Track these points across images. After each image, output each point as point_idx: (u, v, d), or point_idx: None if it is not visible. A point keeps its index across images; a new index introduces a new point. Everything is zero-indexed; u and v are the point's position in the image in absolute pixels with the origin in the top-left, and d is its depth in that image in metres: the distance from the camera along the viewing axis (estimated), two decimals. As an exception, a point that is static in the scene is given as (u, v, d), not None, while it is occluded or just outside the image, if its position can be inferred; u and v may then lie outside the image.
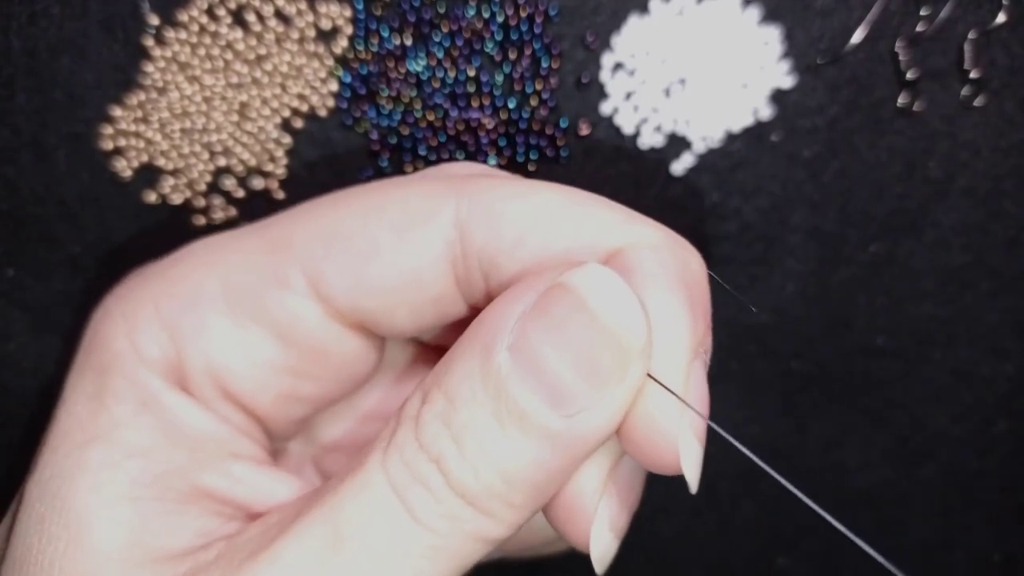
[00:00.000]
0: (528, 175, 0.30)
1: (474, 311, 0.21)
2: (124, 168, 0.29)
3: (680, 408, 0.19)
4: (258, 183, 0.30)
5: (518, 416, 0.18)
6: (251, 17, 0.28)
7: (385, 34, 0.29)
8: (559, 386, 0.18)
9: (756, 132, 0.30)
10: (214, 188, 0.30)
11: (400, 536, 0.18)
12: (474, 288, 0.21)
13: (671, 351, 0.19)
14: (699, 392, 0.19)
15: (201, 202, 0.30)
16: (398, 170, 0.30)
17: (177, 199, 0.30)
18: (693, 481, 0.19)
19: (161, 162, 0.29)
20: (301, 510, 0.19)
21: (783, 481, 0.19)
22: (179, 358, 0.21)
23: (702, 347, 0.19)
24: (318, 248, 0.20)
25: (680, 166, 0.30)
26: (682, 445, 0.19)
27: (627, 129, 0.29)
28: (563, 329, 0.18)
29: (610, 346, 0.18)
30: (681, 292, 0.19)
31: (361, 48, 0.29)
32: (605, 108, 0.29)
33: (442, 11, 0.28)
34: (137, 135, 0.29)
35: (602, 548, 0.20)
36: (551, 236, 0.20)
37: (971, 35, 0.29)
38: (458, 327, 0.24)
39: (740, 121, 0.29)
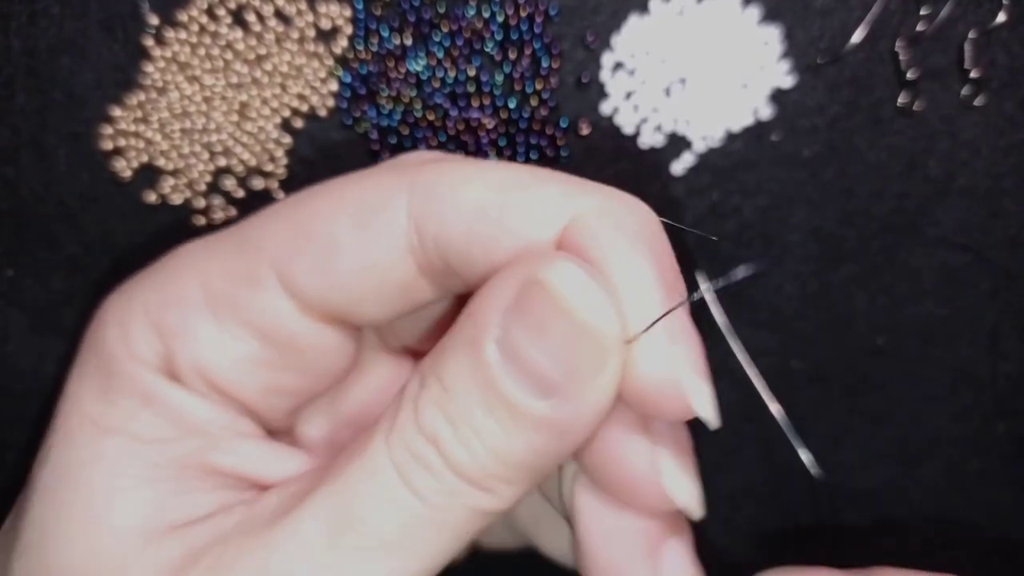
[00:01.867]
0: (528, 175, 0.30)
1: (443, 295, 0.22)
2: (124, 168, 0.29)
3: (673, 356, 0.20)
4: (258, 183, 0.30)
5: (507, 406, 0.19)
6: (251, 17, 0.28)
7: (385, 34, 0.29)
8: (544, 379, 0.19)
9: (756, 132, 0.30)
10: (214, 188, 0.30)
11: (404, 511, 0.19)
12: (438, 273, 0.21)
13: (647, 308, 0.19)
14: (686, 333, 0.20)
15: (201, 202, 0.30)
16: (398, 170, 0.30)
17: (177, 199, 0.30)
18: (712, 417, 0.20)
19: (161, 162, 0.29)
20: (313, 485, 0.20)
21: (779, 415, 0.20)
22: (170, 357, 0.22)
23: (675, 292, 0.20)
24: (285, 248, 0.22)
25: (680, 166, 0.30)
26: (687, 387, 0.19)
27: (627, 129, 0.29)
28: (542, 328, 0.19)
29: (587, 342, 0.19)
30: (642, 249, 0.20)
31: (361, 48, 0.29)
32: (605, 108, 0.29)
33: (442, 11, 0.28)
34: (137, 135, 0.29)
35: (686, 494, 0.21)
36: (502, 218, 0.20)
37: (971, 35, 0.29)
38: (439, 326, 0.25)
39: (740, 121, 0.29)
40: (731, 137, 0.30)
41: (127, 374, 0.22)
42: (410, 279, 0.21)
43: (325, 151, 0.30)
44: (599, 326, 0.19)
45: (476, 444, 0.19)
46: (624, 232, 0.20)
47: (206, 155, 0.29)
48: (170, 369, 0.22)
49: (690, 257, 0.31)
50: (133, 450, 0.21)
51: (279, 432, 0.25)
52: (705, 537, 0.33)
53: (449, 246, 0.21)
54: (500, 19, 0.28)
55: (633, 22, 0.29)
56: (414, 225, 0.21)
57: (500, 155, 0.29)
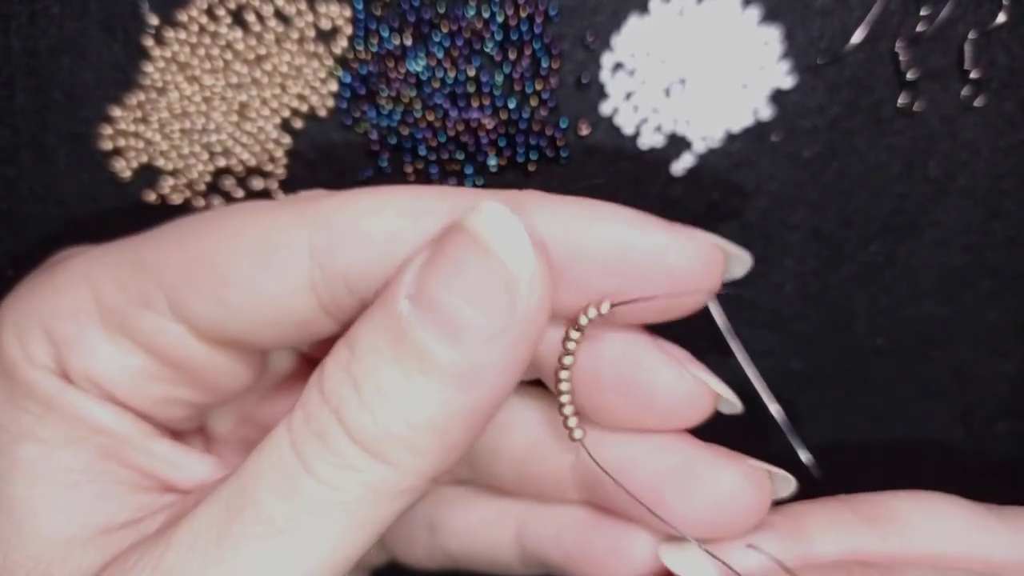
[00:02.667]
0: (528, 175, 0.30)
1: (344, 328, 0.22)
2: (124, 168, 0.29)
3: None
4: (258, 183, 0.30)
5: (418, 357, 0.18)
6: (251, 17, 0.28)
7: (385, 34, 0.29)
8: (456, 322, 0.18)
9: (756, 132, 0.30)
10: (214, 188, 0.30)
11: (298, 495, 0.19)
12: (342, 308, 0.21)
13: (631, 244, 0.20)
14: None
15: (201, 202, 0.30)
16: (398, 170, 0.30)
17: (177, 199, 0.30)
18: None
19: (161, 162, 0.29)
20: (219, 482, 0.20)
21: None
22: (63, 363, 0.22)
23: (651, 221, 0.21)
24: (180, 276, 0.21)
25: (680, 166, 0.30)
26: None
27: (627, 129, 0.29)
28: (456, 265, 0.19)
29: (501, 274, 0.18)
30: (572, 207, 0.20)
31: (361, 48, 0.29)
32: (605, 108, 0.29)
33: (442, 11, 0.28)
34: (137, 135, 0.29)
35: (728, 391, 0.23)
36: (418, 242, 0.20)
37: (971, 35, 0.29)
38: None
39: (740, 121, 0.29)
40: (731, 137, 0.30)
41: (28, 378, 0.21)
42: (310, 315, 0.21)
43: (325, 151, 0.30)
44: (513, 256, 0.18)
45: (381, 406, 0.18)
46: (549, 206, 0.20)
47: (206, 155, 0.29)
48: (65, 375, 0.22)
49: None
50: (47, 454, 0.21)
51: (186, 432, 0.25)
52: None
53: (359, 278, 0.20)
54: (500, 19, 0.28)
55: (633, 22, 0.29)
56: (317, 262, 0.20)
57: (500, 155, 0.29)
